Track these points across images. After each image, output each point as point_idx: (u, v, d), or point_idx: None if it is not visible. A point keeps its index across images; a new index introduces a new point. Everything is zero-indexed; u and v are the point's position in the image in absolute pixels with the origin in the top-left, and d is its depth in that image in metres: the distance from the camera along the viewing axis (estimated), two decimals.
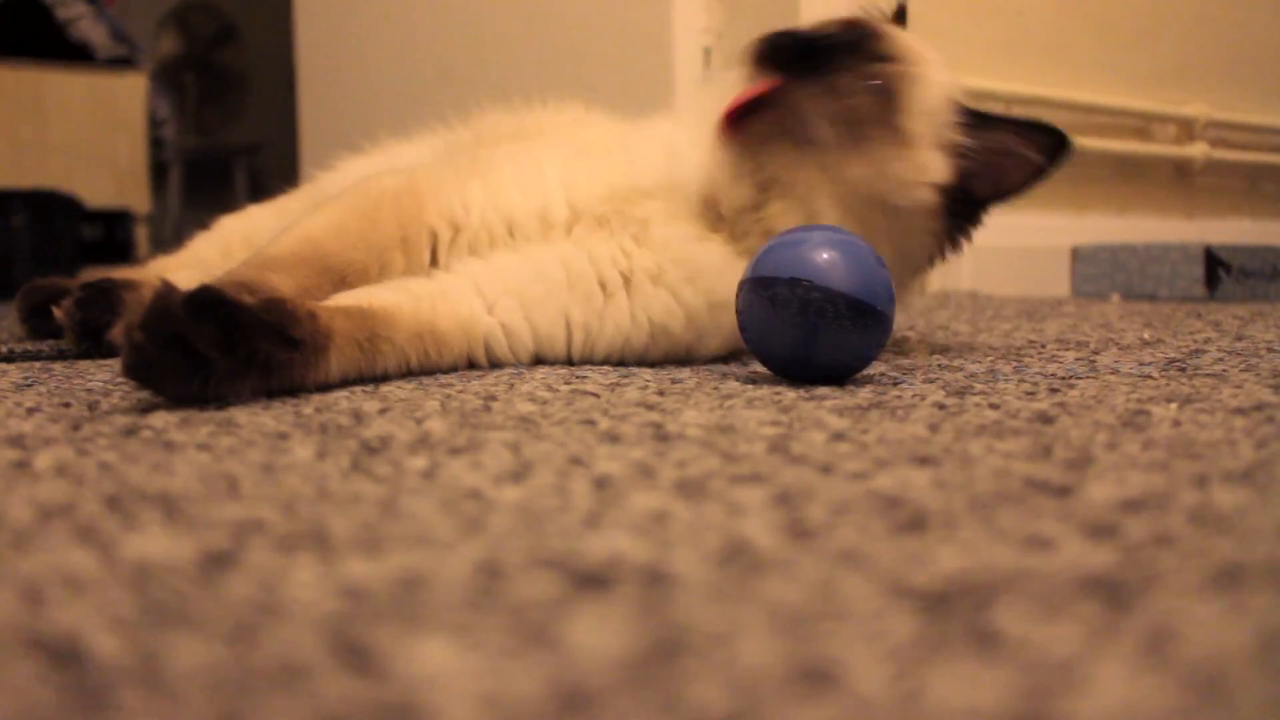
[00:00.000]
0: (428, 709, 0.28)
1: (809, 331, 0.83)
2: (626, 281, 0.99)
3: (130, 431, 0.65)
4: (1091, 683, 0.30)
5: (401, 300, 0.90)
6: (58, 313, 1.13)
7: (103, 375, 0.94)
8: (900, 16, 1.13)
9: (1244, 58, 3.06)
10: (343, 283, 0.91)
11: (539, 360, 1.00)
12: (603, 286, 0.99)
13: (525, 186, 1.02)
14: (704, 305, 1.00)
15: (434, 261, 0.99)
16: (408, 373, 0.89)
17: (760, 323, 0.85)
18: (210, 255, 1.37)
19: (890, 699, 0.29)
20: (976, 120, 1.01)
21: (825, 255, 0.83)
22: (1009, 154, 1.01)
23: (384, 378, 0.87)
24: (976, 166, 1.01)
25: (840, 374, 0.87)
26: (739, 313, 0.88)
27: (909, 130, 0.98)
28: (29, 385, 0.88)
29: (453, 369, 0.94)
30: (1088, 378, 0.90)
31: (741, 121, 0.97)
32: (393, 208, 0.98)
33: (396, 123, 1.41)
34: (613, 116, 1.29)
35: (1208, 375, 0.91)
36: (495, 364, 0.97)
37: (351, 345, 0.82)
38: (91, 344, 1.10)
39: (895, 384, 0.86)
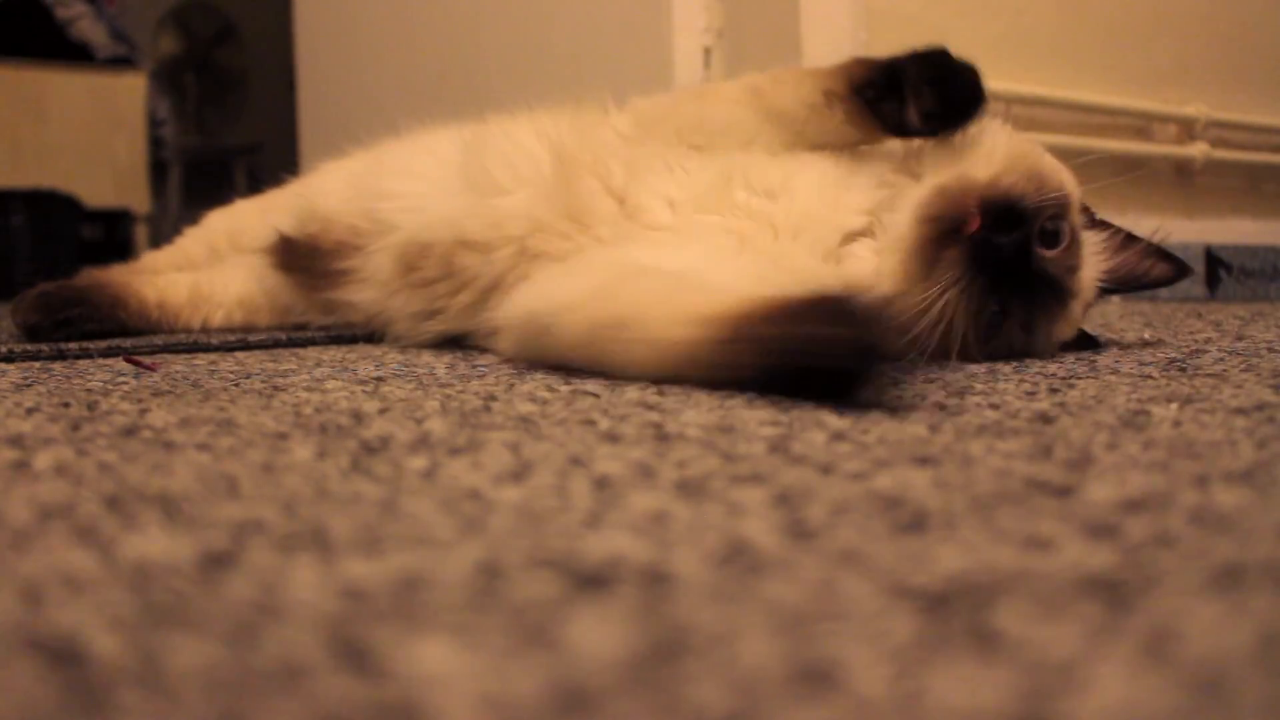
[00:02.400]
0: (428, 709, 0.28)
1: None
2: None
3: (130, 431, 0.65)
4: (1092, 683, 0.30)
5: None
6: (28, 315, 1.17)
7: (103, 375, 0.94)
8: None
9: (1244, 58, 3.05)
10: None
11: None
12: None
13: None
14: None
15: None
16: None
17: None
18: (197, 252, 1.38)
19: (890, 699, 0.29)
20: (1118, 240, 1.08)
21: None
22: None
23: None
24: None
25: None
26: None
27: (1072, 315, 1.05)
28: (29, 385, 0.88)
29: None
30: (1088, 378, 0.90)
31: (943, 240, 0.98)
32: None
33: (396, 123, 1.41)
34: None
35: (1208, 375, 0.90)
36: None
37: None
38: (57, 343, 1.12)
39: (895, 384, 0.86)
